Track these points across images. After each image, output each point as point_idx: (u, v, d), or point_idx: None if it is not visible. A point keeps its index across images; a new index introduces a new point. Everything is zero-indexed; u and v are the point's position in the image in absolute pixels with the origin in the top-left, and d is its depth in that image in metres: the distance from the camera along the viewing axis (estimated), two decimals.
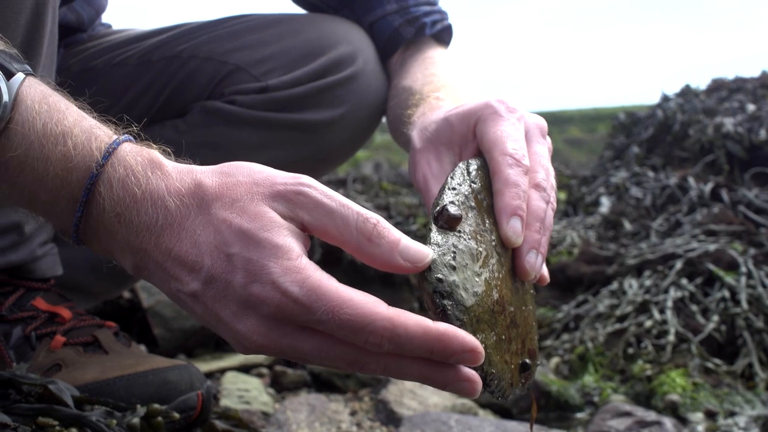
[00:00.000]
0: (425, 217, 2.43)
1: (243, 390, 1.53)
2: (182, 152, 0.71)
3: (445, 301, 0.64)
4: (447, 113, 0.91)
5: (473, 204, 0.74)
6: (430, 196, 0.87)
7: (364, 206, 2.33)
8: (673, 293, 1.92)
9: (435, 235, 0.68)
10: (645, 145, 3.43)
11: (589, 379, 1.69)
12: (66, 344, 1.09)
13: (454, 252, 0.67)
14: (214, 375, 1.68)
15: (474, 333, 0.64)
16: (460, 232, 0.70)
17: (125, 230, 0.64)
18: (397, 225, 2.37)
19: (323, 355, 0.62)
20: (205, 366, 1.69)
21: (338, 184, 3.13)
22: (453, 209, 0.70)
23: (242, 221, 0.62)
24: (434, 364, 0.62)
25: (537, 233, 0.77)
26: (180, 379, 1.04)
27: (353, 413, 1.43)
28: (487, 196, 0.77)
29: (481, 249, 0.71)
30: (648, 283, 2.01)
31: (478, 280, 0.68)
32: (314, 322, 0.60)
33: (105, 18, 1.49)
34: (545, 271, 0.79)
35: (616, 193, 3.06)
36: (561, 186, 3.67)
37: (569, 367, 1.78)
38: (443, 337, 0.60)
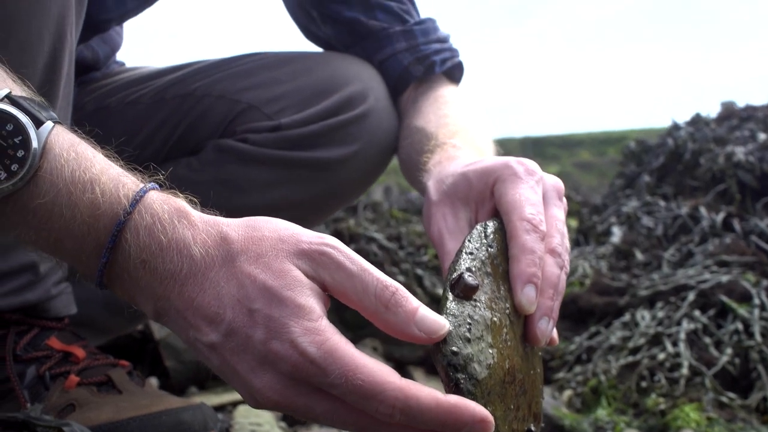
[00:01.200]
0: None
1: (255, 424, 1.52)
2: (196, 190, 0.71)
3: (459, 375, 0.64)
4: (465, 168, 0.91)
5: (489, 270, 0.74)
6: (444, 252, 0.87)
7: (375, 238, 2.30)
8: (686, 325, 1.90)
9: (451, 305, 0.68)
10: (656, 174, 3.42)
11: (602, 412, 1.68)
12: (80, 384, 1.09)
13: (470, 324, 0.67)
14: (226, 408, 1.67)
15: (485, 406, 0.64)
16: (476, 300, 0.69)
17: (149, 277, 0.65)
18: (408, 256, 2.37)
19: (335, 419, 0.62)
20: (216, 399, 1.69)
21: (349, 212, 3.13)
22: (470, 279, 0.70)
23: (266, 277, 0.63)
24: None
25: (550, 300, 0.77)
26: (194, 419, 1.04)
27: None
28: (503, 261, 0.77)
29: (495, 318, 0.70)
30: (660, 314, 2.00)
31: (491, 351, 0.68)
32: (328, 385, 0.60)
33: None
34: (554, 333, 0.79)
35: (627, 222, 3.06)
36: (572, 213, 3.66)
37: (582, 400, 1.77)
38: (455, 410, 0.60)
